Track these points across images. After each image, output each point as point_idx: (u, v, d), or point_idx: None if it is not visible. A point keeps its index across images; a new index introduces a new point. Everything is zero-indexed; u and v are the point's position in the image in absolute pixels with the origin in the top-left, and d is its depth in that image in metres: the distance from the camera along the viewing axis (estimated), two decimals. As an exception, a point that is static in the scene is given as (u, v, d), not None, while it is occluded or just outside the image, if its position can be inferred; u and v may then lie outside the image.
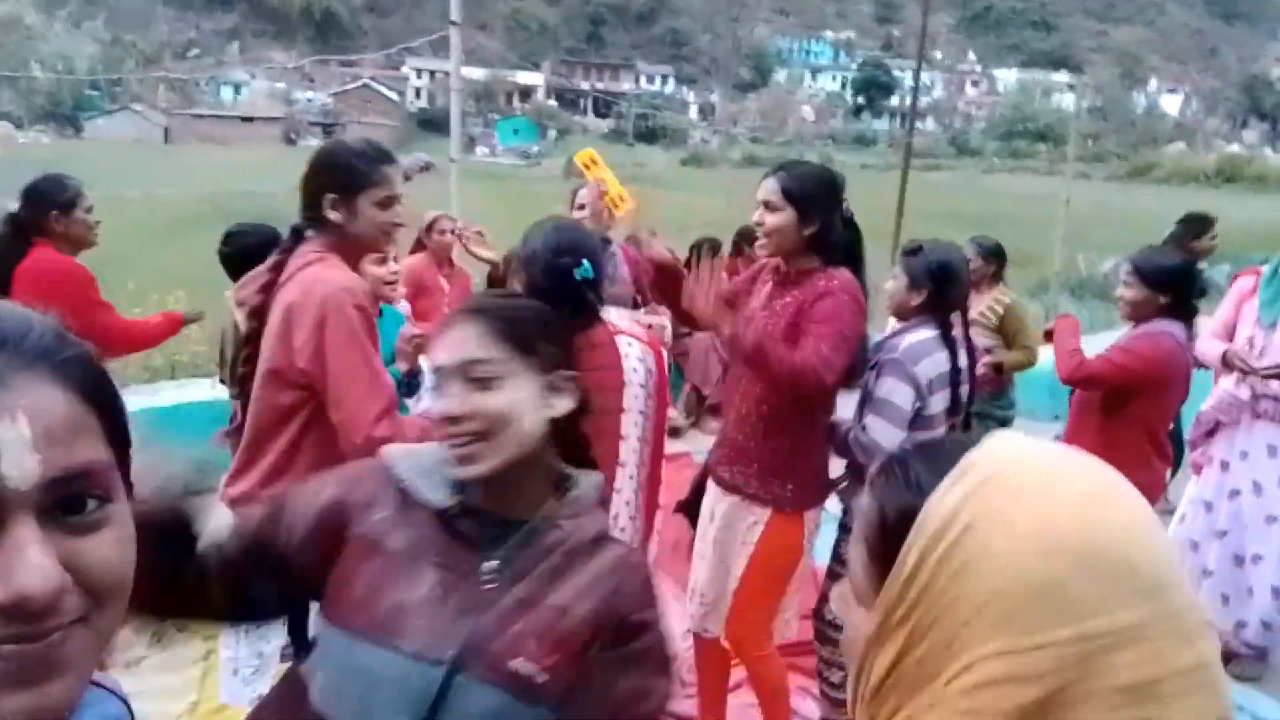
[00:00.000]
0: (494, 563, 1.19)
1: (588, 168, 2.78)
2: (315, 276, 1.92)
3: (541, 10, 66.40)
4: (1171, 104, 59.86)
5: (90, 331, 1.75)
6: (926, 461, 0.67)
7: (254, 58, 56.30)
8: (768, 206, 2.27)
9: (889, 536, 0.66)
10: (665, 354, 2.50)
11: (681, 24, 68.71)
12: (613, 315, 2.22)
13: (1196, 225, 4.66)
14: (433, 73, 51.64)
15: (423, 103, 52.34)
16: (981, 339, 3.54)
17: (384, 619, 1.18)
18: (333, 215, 1.96)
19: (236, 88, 52.04)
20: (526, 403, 1.22)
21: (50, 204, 2.83)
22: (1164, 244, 4.33)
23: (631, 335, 2.22)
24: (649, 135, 50.69)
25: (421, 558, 1.20)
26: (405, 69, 54.82)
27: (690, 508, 2.55)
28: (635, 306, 2.99)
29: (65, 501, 0.55)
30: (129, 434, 0.63)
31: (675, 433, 5.16)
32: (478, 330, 1.23)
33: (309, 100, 50.46)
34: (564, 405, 1.26)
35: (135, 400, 4.17)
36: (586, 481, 1.29)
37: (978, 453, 0.64)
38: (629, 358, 2.16)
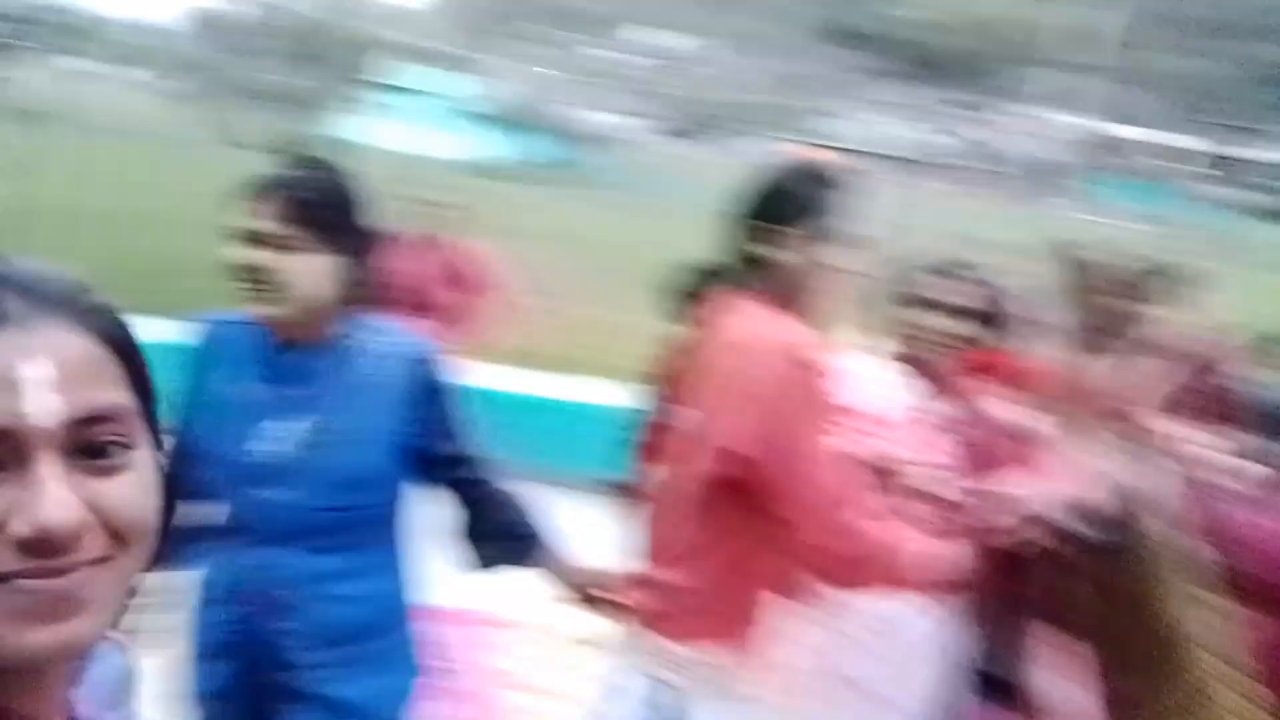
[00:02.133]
0: None
1: None
2: None
3: (1203, 66, 58.14)
4: None
5: None
6: None
7: (874, 97, 58.65)
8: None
9: None
10: None
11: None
12: None
13: None
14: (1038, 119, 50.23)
15: (1030, 152, 51.40)
16: None
17: None
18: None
19: (850, 123, 54.37)
20: None
21: None
22: None
23: None
24: (1273, 214, 44.92)
25: None
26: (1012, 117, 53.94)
27: None
28: None
29: (87, 444, 0.58)
30: (151, 383, 0.65)
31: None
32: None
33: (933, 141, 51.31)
34: None
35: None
36: None
37: None
38: None
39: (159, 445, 0.65)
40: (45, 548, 0.55)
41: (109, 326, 0.62)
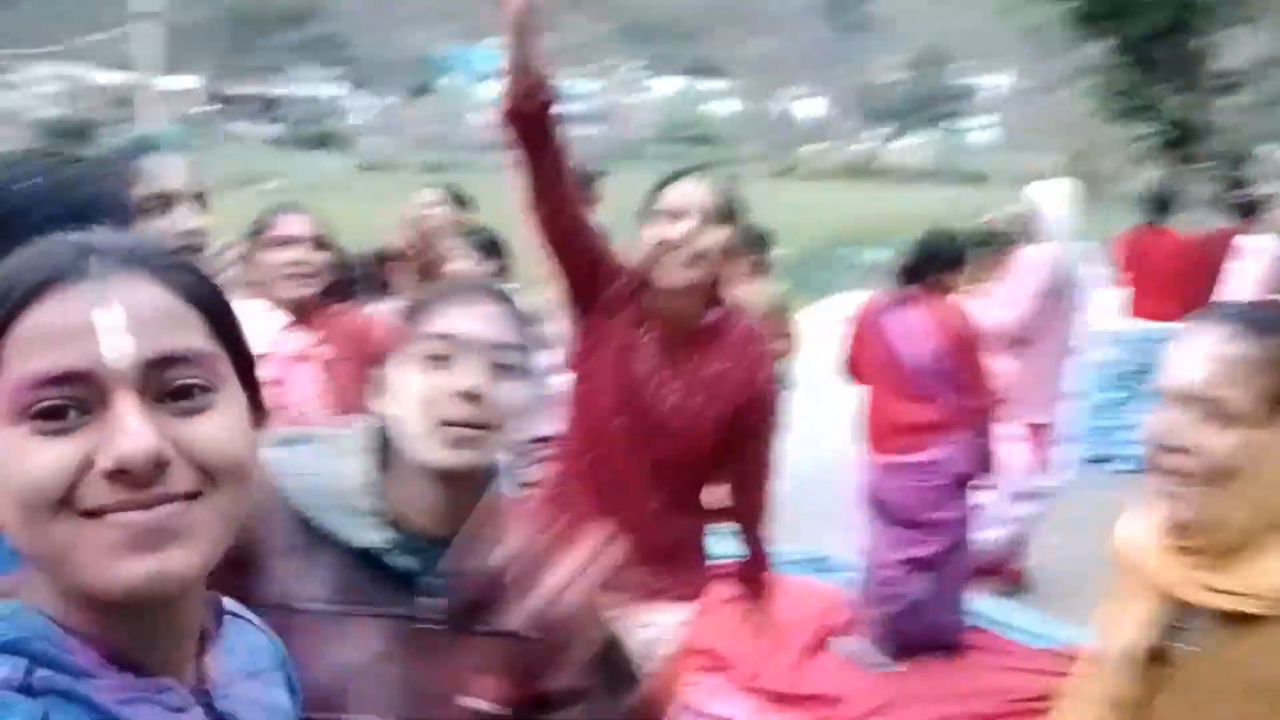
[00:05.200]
0: (431, 599, 1.07)
1: None
2: None
3: (188, 14, 61.61)
4: (804, 109, 65.88)
5: None
6: None
7: None
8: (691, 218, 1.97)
9: None
10: None
11: (336, 28, 66.31)
12: None
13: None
14: (62, 77, 46.39)
15: (50, 109, 46.89)
16: None
17: (325, 694, 1.00)
18: None
19: None
20: (532, 404, 1.15)
21: None
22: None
23: None
24: (318, 142, 48.53)
25: (350, 610, 1.05)
26: (26, 72, 48.87)
27: None
28: None
29: (167, 386, 0.60)
30: (238, 334, 0.67)
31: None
32: (503, 311, 1.12)
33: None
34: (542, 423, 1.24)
35: None
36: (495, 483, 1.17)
37: None
38: None
39: (255, 395, 0.67)
40: (129, 478, 0.58)
41: (190, 282, 0.65)
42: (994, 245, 4.79)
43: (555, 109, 1.84)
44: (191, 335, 0.62)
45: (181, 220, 1.73)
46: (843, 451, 4.21)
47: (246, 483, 0.65)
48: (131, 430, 0.58)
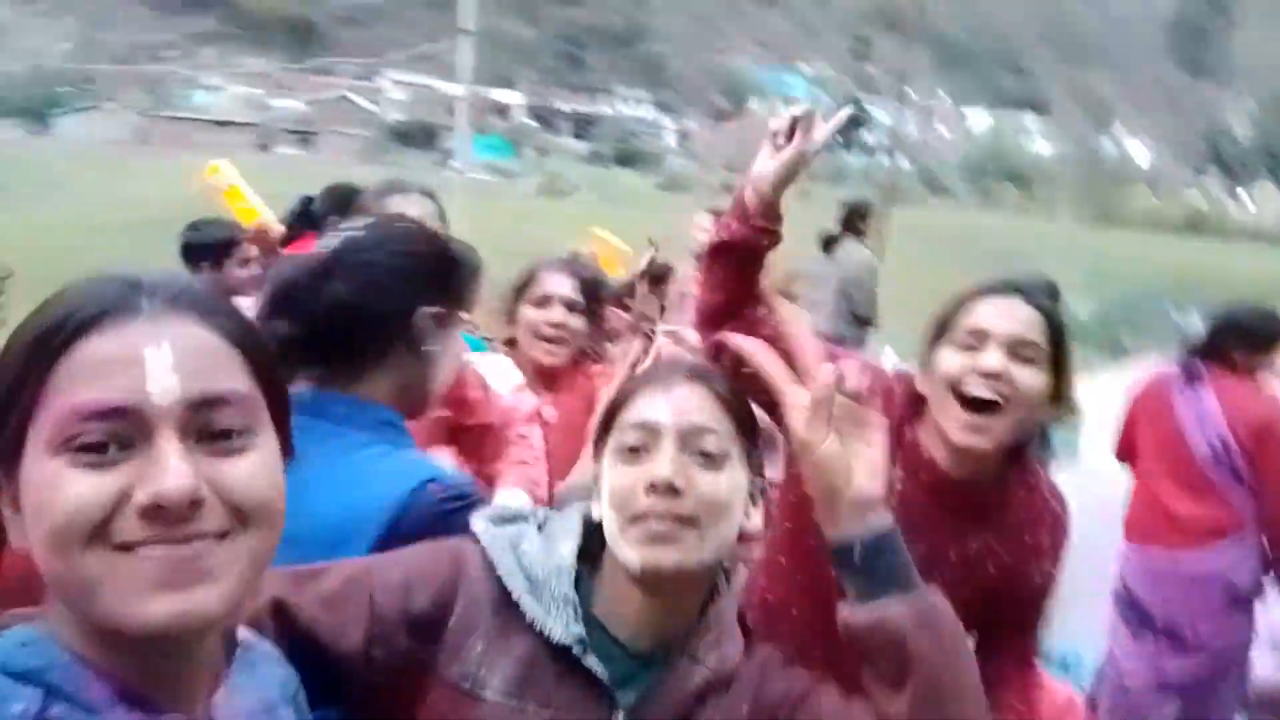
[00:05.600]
0: (618, 710, 0.97)
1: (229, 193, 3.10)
2: None
3: (518, 28, 66.55)
4: (1135, 150, 61.02)
5: None
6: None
7: (229, 63, 55.96)
8: (1014, 353, 1.40)
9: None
10: None
11: (658, 49, 69.06)
12: None
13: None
14: (409, 84, 51.58)
15: (400, 115, 52.19)
16: None
17: None
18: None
19: (210, 91, 51.51)
20: (741, 498, 1.01)
21: None
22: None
23: None
24: (627, 159, 50.87)
25: (531, 706, 0.96)
26: (381, 81, 54.71)
27: None
28: None
29: (207, 426, 0.62)
30: (278, 378, 0.69)
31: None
32: (705, 395, 1.01)
33: (284, 108, 50.15)
34: (756, 518, 1.05)
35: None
36: (728, 597, 1.06)
37: None
38: None
39: (287, 439, 0.69)
40: (164, 515, 0.59)
41: (234, 325, 0.66)
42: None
43: (770, 252, 1.51)
44: (234, 377, 0.64)
45: None
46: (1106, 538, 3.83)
47: (276, 525, 0.65)
48: (172, 468, 0.59)
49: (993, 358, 1.37)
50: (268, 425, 0.66)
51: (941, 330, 1.48)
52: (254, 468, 0.64)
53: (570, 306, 2.27)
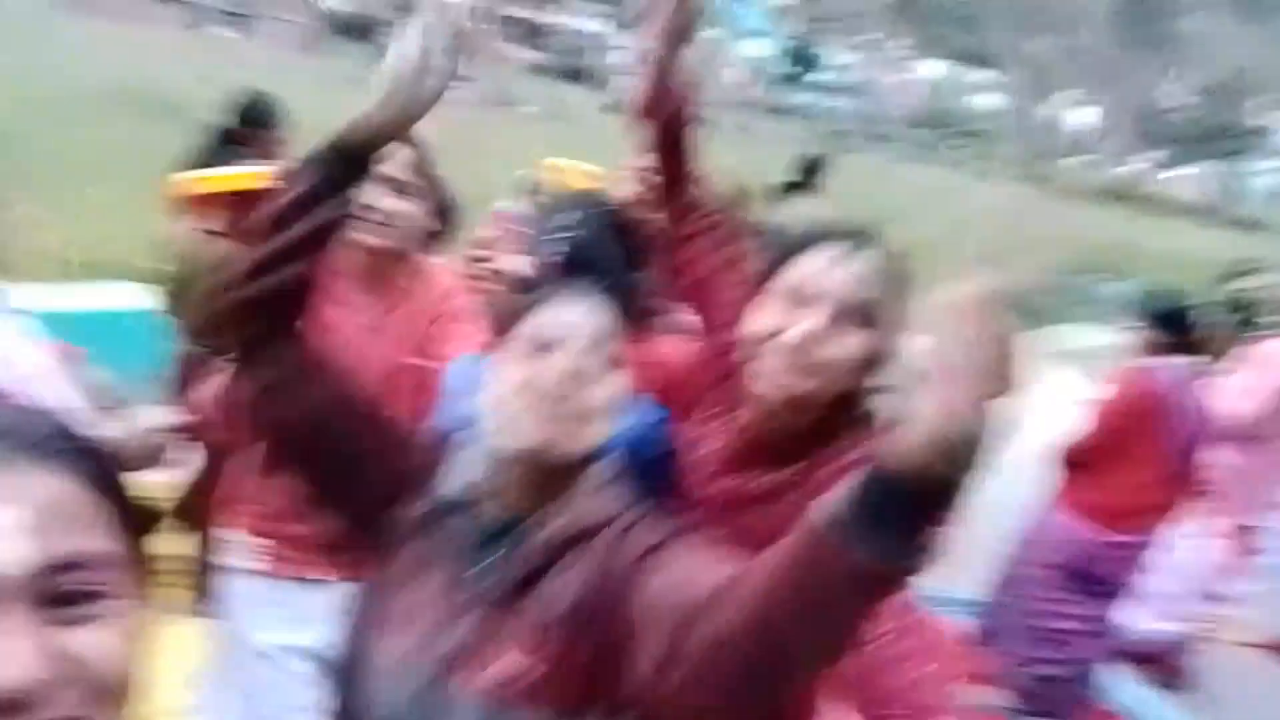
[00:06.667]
0: (475, 569, 1.10)
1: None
2: None
3: None
4: (1074, 118, 61.99)
5: None
6: None
7: None
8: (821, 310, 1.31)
9: None
10: None
11: (612, -35, 67.45)
12: None
13: None
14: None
15: (337, 5, 50.25)
16: None
17: (394, 617, 1.10)
18: None
19: None
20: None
21: None
22: None
23: None
24: (573, 75, 49.96)
25: (433, 554, 1.13)
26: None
27: None
28: None
29: (62, 592, 0.54)
30: (141, 528, 0.61)
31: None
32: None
33: (219, -14, 47.89)
34: None
35: (48, 303, 3.84)
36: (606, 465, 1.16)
37: None
38: None
39: (144, 595, 0.60)
40: (6, 706, 0.51)
41: (97, 469, 0.59)
42: (1247, 318, 4.34)
43: (691, 123, 1.58)
44: (96, 535, 0.57)
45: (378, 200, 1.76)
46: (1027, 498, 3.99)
47: (128, 701, 0.58)
48: (13, 656, 0.51)
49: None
50: (128, 584, 0.59)
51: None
52: (114, 639, 0.56)
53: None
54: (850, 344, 1.29)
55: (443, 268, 2.17)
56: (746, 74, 69.53)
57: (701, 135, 1.65)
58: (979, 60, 76.31)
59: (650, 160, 1.64)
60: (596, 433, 1.09)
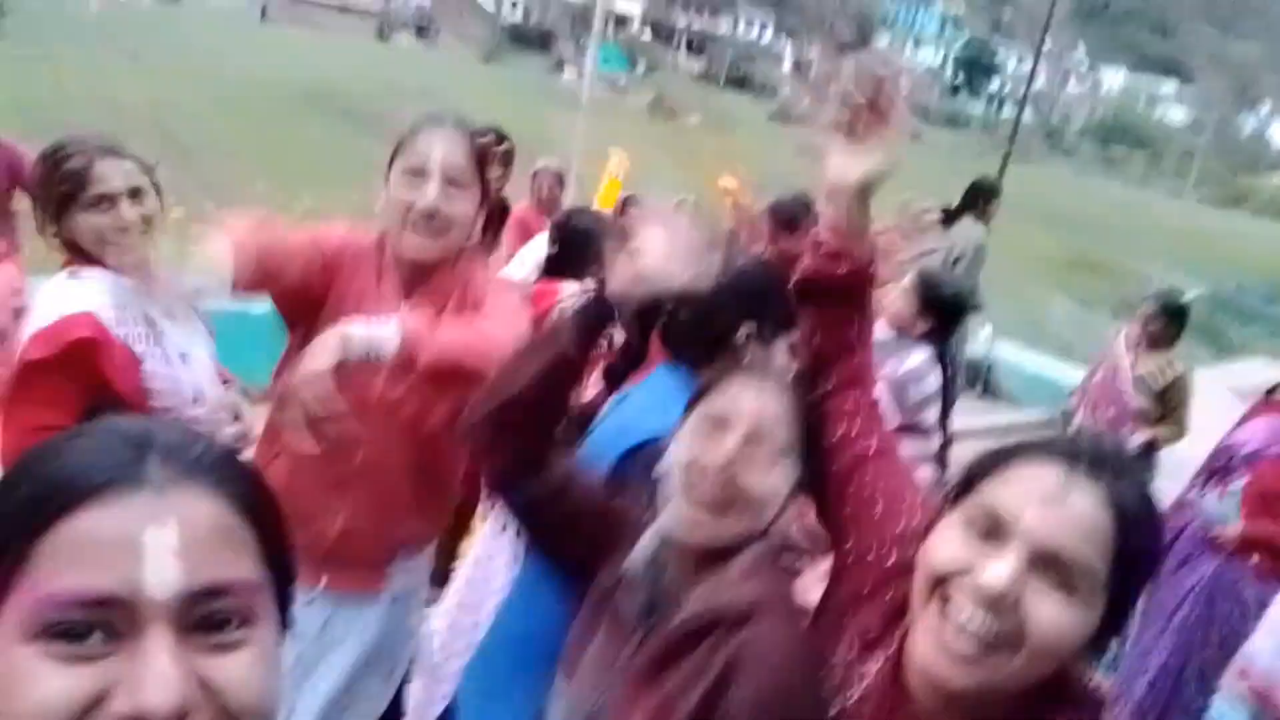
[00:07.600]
0: (631, 641, 1.13)
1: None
2: None
3: None
4: (1278, 132, 57.59)
5: None
6: None
7: None
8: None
9: None
10: None
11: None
12: None
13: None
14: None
15: (517, 18, 51.92)
16: (1139, 400, 3.64)
17: (581, 669, 1.16)
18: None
19: None
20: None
21: None
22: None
23: None
24: (739, 83, 49.85)
25: (607, 611, 1.17)
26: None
27: None
28: None
29: (205, 617, 0.54)
30: (286, 545, 0.62)
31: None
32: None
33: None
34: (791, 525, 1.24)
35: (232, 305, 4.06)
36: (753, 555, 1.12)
37: None
38: None
39: (286, 621, 0.61)
40: None
41: (249, 496, 0.59)
42: None
43: (867, 283, 1.18)
44: (241, 562, 0.57)
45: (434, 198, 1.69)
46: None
47: None
48: (161, 676, 0.52)
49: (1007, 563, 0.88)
50: (270, 611, 0.59)
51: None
52: (249, 666, 0.56)
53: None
54: (1062, 606, 0.87)
55: (487, 270, 2.00)
56: (922, 82, 67.79)
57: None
58: (1168, 68, 71.76)
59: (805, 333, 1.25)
60: (751, 520, 1.09)
